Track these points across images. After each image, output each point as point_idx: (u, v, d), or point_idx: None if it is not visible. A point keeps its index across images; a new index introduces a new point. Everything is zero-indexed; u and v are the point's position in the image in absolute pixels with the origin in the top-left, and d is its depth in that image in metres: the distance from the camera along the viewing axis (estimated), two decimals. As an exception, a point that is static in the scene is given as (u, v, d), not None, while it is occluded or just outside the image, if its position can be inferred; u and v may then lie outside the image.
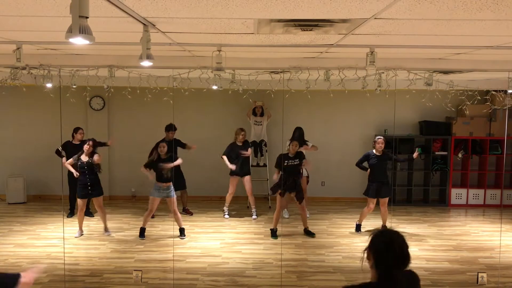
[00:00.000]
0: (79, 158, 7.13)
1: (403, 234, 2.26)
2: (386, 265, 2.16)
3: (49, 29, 3.51)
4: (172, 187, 7.21)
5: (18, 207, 9.32)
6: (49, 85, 6.43)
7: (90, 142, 7.12)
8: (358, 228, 7.70)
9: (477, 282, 5.48)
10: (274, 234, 7.41)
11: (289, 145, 7.36)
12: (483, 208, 9.50)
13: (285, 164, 7.12)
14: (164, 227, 7.50)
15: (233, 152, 8.41)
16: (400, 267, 2.19)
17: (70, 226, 7.64)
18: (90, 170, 7.13)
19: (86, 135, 8.60)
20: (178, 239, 7.21)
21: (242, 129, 8.48)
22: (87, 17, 2.08)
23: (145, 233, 7.33)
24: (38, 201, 9.75)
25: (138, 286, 5.52)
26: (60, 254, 6.26)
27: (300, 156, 7.35)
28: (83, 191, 7.18)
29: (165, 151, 7.21)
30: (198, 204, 9.39)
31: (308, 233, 7.52)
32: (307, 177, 8.57)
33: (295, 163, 7.24)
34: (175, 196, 7.26)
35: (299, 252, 6.78)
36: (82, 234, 7.38)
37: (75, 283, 5.63)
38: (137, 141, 9.68)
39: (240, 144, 8.43)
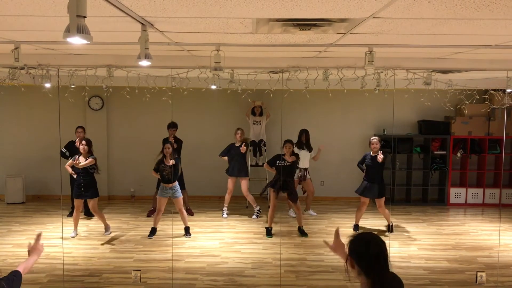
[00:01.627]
0: (77, 159, 7.11)
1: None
2: (378, 269, 2.08)
3: (47, 28, 3.50)
4: (178, 187, 7.23)
5: (17, 207, 9.32)
6: (47, 85, 6.42)
7: (84, 142, 7.11)
8: (356, 228, 7.71)
9: (476, 281, 5.49)
10: (269, 233, 7.42)
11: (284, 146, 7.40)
12: (482, 207, 9.51)
13: (277, 164, 7.29)
14: (163, 227, 7.49)
15: (232, 151, 8.45)
16: (387, 268, 2.12)
17: (69, 226, 7.61)
18: (84, 171, 7.09)
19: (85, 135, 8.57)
20: (177, 239, 7.20)
21: (238, 128, 8.51)
22: (85, 17, 2.08)
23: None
24: (37, 201, 9.74)
25: (137, 286, 5.52)
26: (59, 254, 6.26)
27: (295, 158, 7.43)
28: (77, 191, 7.17)
29: (170, 152, 7.21)
30: (197, 204, 9.39)
31: (302, 232, 7.52)
32: (310, 179, 8.64)
33: (286, 164, 7.31)
34: (181, 196, 7.29)
35: (298, 252, 6.78)
36: (76, 234, 7.36)
37: (74, 283, 5.63)
38: (136, 141, 9.67)
39: (237, 144, 8.44)
